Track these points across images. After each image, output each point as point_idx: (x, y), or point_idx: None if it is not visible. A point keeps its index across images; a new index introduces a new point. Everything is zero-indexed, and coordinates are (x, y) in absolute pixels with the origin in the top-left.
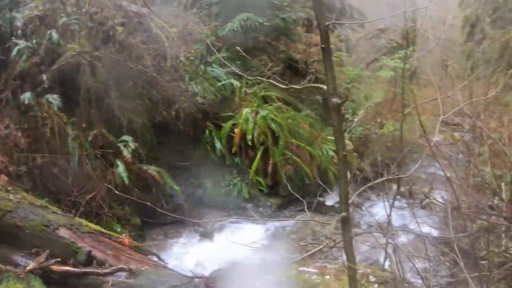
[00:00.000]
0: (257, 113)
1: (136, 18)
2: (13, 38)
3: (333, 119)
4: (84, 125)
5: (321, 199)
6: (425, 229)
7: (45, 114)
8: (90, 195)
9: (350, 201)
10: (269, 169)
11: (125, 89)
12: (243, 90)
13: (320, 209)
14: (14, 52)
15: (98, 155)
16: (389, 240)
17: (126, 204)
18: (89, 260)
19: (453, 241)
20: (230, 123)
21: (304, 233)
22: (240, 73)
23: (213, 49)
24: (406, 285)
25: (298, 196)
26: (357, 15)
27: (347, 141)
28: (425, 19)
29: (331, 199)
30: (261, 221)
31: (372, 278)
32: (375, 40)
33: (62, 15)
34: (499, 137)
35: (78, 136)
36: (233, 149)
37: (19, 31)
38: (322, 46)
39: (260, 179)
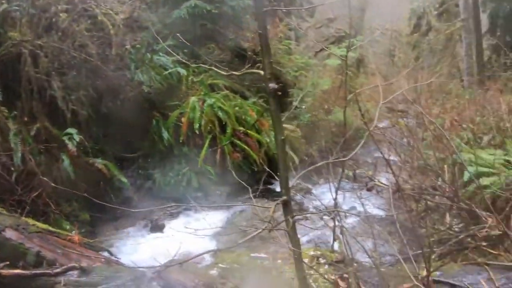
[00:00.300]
0: (204, 101)
1: (81, 4)
2: None
3: (270, 104)
4: (26, 119)
5: (270, 186)
6: (373, 211)
7: None
8: (36, 193)
9: (291, 185)
10: (218, 157)
11: (69, 80)
12: (190, 78)
13: (269, 195)
14: None
15: (42, 150)
16: (337, 222)
17: (73, 200)
18: (39, 261)
19: (398, 220)
20: (177, 112)
21: (256, 219)
22: (184, 61)
23: (157, 37)
24: (355, 264)
25: (243, 183)
26: (306, 4)
27: (295, 128)
28: (374, 10)
29: (278, 186)
30: (207, 208)
31: (322, 260)
32: (324, 29)
33: (3, 1)
34: (441, 123)
35: (21, 130)
36: (181, 139)
37: None
38: (259, 31)
39: (209, 168)
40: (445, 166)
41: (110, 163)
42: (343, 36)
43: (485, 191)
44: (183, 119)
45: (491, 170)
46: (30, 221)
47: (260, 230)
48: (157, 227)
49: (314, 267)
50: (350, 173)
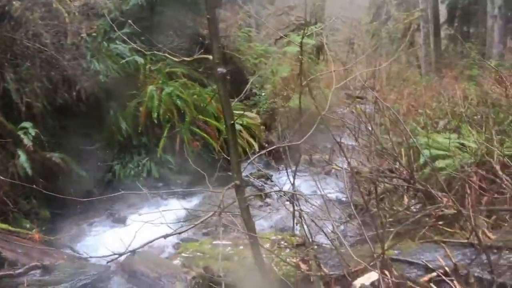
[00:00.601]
0: (162, 90)
1: None
2: None
3: (219, 89)
4: None
5: (231, 173)
6: (334, 194)
7: None
8: None
9: (243, 169)
10: (177, 146)
11: (22, 71)
12: (147, 67)
13: (230, 182)
14: None
15: None
16: (296, 207)
17: (32, 197)
18: (0, 262)
19: (357, 203)
20: (135, 101)
21: (227, 208)
22: (139, 49)
23: (112, 24)
24: (315, 247)
25: (201, 170)
26: None
27: (255, 115)
28: None
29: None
30: (166, 197)
31: (283, 244)
32: (284, 17)
33: None
34: (398, 109)
35: None
36: (139, 129)
37: None
38: (208, 16)
39: (169, 157)
40: (402, 150)
41: (68, 157)
42: (303, 24)
43: (440, 172)
44: (141, 109)
45: (446, 153)
46: None
47: (211, 214)
48: (119, 220)
49: (276, 252)
50: (312, 159)
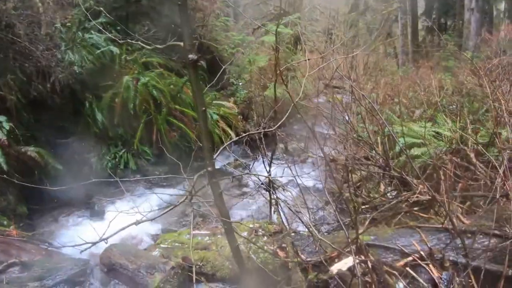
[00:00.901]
0: (138, 80)
1: None
2: None
3: (190, 75)
4: None
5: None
6: (311, 182)
7: None
8: None
9: (215, 157)
10: (154, 137)
11: None
12: (123, 57)
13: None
14: None
15: None
16: (273, 195)
17: (9, 193)
18: None
19: (333, 190)
20: (110, 92)
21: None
22: (115, 39)
23: (87, 14)
24: (292, 234)
25: (175, 159)
26: None
27: (232, 105)
28: None
29: (217, 162)
30: (144, 190)
31: (260, 232)
32: (262, 6)
33: None
34: (373, 98)
35: None
36: (115, 120)
37: None
38: (179, 3)
39: (146, 149)
40: (378, 138)
41: (44, 150)
42: (282, 14)
43: (416, 160)
44: (117, 100)
45: (422, 141)
46: None
47: (182, 200)
48: (97, 213)
49: (253, 240)
50: (287, 147)
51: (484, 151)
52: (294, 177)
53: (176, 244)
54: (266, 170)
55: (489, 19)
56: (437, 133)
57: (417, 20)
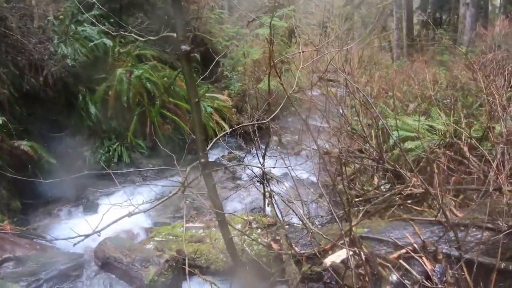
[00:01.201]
0: (131, 73)
1: None
2: None
3: (183, 67)
4: None
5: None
6: (306, 175)
7: None
8: None
9: (208, 149)
10: (148, 130)
11: None
12: (116, 49)
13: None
14: None
15: None
16: (266, 188)
17: (2, 187)
18: None
19: (326, 183)
20: (104, 85)
21: (196, 190)
22: (107, 30)
23: (80, 6)
24: (286, 226)
25: (168, 151)
26: None
27: (226, 97)
28: None
29: (212, 155)
30: (138, 184)
31: (254, 225)
32: None
33: None
34: (368, 92)
35: None
36: (109, 113)
37: None
38: None
39: (140, 142)
40: (372, 131)
41: (37, 144)
42: (276, 7)
43: (409, 153)
44: (110, 93)
45: (415, 134)
46: None
47: (175, 192)
48: (90, 207)
49: (247, 232)
50: (282, 140)
51: (478, 145)
52: (287, 168)
53: (170, 237)
54: (260, 162)
55: (484, 14)
56: (431, 126)
57: (412, 14)
